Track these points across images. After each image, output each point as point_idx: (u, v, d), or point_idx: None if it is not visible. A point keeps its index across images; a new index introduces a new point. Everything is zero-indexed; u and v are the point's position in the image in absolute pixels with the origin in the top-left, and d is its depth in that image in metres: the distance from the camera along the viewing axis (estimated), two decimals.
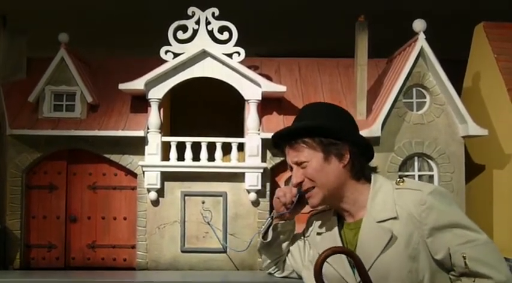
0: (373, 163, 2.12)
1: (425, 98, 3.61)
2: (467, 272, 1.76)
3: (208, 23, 3.64)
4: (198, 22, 3.64)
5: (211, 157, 3.58)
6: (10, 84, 3.84)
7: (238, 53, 3.59)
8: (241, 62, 3.59)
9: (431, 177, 3.56)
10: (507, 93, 3.57)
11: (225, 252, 3.55)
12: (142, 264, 3.56)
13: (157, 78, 3.56)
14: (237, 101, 3.73)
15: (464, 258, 1.76)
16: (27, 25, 4.01)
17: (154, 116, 3.56)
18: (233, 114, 4.02)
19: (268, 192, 3.58)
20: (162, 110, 3.62)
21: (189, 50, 3.58)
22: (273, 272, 2.41)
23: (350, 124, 2.08)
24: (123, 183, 3.69)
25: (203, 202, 3.59)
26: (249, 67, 3.69)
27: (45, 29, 3.82)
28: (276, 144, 2.12)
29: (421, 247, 1.83)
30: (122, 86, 3.55)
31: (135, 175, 3.63)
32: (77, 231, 3.67)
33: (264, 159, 3.59)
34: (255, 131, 3.57)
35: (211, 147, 3.59)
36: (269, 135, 3.20)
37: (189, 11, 3.66)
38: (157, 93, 3.58)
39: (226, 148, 3.62)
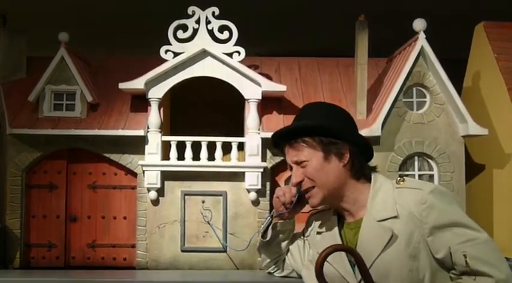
0: (373, 162, 2.12)
1: (425, 97, 3.61)
2: (468, 271, 1.77)
3: (208, 22, 3.64)
4: (198, 21, 3.64)
5: (211, 157, 3.58)
6: (10, 83, 3.84)
7: (239, 53, 3.59)
8: (242, 62, 3.59)
9: (431, 177, 3.56)
10: (507, 92, 3.57)
11: (225, 251, 3.55)
12: (142, 263, 3.56)
13: (157, 77, 3.56)
14: (237, 101, 3.73)
15: (465, 256, 1.76)
16: (27, 24, 4.01)
17: (154, 115, 3.56)
18: (233, 114, 4.02)
19: (268, 192, 3.58)
20: (162, 109, 3.62)
21: (189, 49, 3.58)
22: (272, 271, 2.41)
23: (350, 123, 2.08)
24: (123, 182, 3.69)
25: (203, 202, 3.59)
26: (249, 66, 3.69)
27: (45, 28, 3.82)
28: (275, 144, 2.12)
29: (421, 246, 1.83)
30: (122, 85, 3.55)
31: (135, 174, 3.63)
32: (77, 230, 3.67)
33: (264, 159, 3.59)
34: (255, 130, 3.57)
35: (211, 147, 3.59)
36: (269, 135, 3.20)
37: (189, 10, 3.66)
38: (157, 93, 3.58)
39: (227, 148, 3.62)
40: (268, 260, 2.38)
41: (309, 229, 2.22)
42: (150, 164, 3.53)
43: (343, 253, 1.91)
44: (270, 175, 3.64)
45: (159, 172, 3.54)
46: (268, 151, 3.62)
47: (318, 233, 2.11)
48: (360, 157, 2.01)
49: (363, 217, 1.94)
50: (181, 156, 3.57)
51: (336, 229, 2.03)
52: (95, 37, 5.12)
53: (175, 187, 3.59)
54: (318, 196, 1.99)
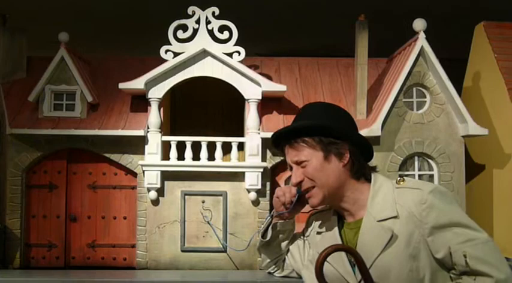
0: (373, 162, 2.12)
1: (425, 97, 3.61)
2: (467, 271, 1.76)
3: (208, 22, 3.64)
4: (198, 21, 3.64)
5: (211, 157, 3.58)
6: (10, 83, 3.85)
7: (239, 53, 3.59)
8: (242, 62, 3.59)
9: (431, 177, 3.56)
10: (507, 92, 3.57)
11: (225, 251, 3.55)
12: (142, 263, 3.56)
13: (157, 77, 3.56)
14: (237, 100, 3.73)
15: (465, 256, 1.76)
16: (27, 24, 4.01)
17: (154, 115, 3.56)
18: (233, 114, 4.02)
19: (268, 192, 3.58)
20: (162, 110, 3.62)
21: (189, 49, 3.58)
22: (272, 271, 2.40)
23: (350, 123, 2.08)
24: (123, 182, 3.69)
25: (203, 202, 3.59)
26: (249, 66, 3.69)
27: (45, 28, 3.83)
28: (275, 144, 2.12)
29: (421, 246, 1.83)
30: (122, 86, 3.55)
31: (135, 174, 3.63)
32: (77, 230, 3.67)
33: (264, 159, 3.59)
34: (255, 130, 3.57)
35: (211, 147, 3.59)
36: (269, 135, 3.21)
37: (189, 10, 3.66)
38: (157, 93, 3.58)
39: (227, 148, 3.62)
40: (268, 260, 2.37)
41: (309, 229, 2.21)
42: (150, 164, 3.53)
43: (343, 253, 1.91)
44: (270, 175, 3.64)
45: (159, 172, 3.54)
46: (268, 151, 3.62)
47: (318, 233, 2.11)
48: (359, 157, 2.01)
49: (363, 217, 1.94)
50: (181, 156, 3.57)
51: (336, 229, 2.02)
52: (95, 37, 5.13)
53: (175, 187, 3.59)
54: (318, 196, 1.99)
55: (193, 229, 3.58)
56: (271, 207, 2.39)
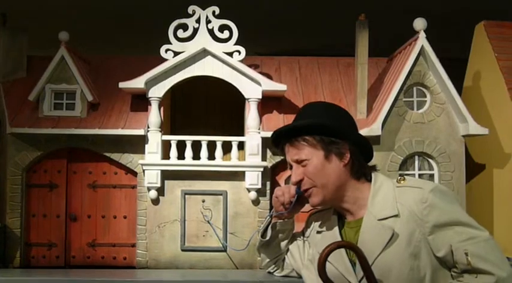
0: (373, 162, 2.12)
1: (425, 96, 3.61)
2: (469, 269, 1.76)
3: (208, 21, 3.64)
4: (198, 21, 3.64)
5: (211, 156, 3.58)
6: (10, 82, 3.85)
7: (239, 52, 3.59)
8: (242, 61, 3.59)
9: (431, 176, 3.56)
10: (507, 92, 3.57)
11: (224, 250, 3.55)
12: (143, 262, 3.56)
13: (157, 76, 3.56)
14: (237, 100, 3.73)
15: (466, 254, 1.76)
16: (27, 23, 4.01)
17: (154, 115, 3.56)
18: (233, 113, 4.02)
19: (268, 191, 3.58)
20: (162, 109, 3.62)
21: (190, 48, 3.58)
22: (272, 271, 2.40)
23: (350, 123, 2.08)
24: (123, 181, 3.69)
25: (203, 201, 3.59)
26: (250, 66, 3.69)
27: (46, 28, 3.82)
28: (275, 142, 2.11)
29: (422, 244, 1.83)
30: (122, 85, 3.55)
31: (135, 174, 3.63)
32: (77, 229, 3.67)
33: (264, 158, 3.59)
34: (255, 130, 3.57)
35: (211, 146, 3.58)
36: (269, 134, 3.20)
37: (190, 9, 3.66)
38: (157, 92, 3.57)
39: (227, 147, 3.62)
40: (268, 260, 2.37)
41: (309, 228, 2.21)
42: (150, 163, 3.53)
43: (343, 252, 1.91)
44: (270, 175, 3.64)
45: (159, 171, 3.54)
46: (268, 151, 3.62)
47: (318, 232, 2.11)
48: (360, 157, 2.01)
49: (364, 216, 1.94)
50: (181, 156, 3.57)
51: (336, 228, 2.02)
52: (95, 36, 5.13)
53: (175, 186, 3.59)
54: (318, 196, 1.98)
55: (194, 229, 3.58)
56: (271, 207, 2.38)
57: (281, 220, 2.24)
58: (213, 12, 3.65)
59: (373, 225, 1.88)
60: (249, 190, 3.56)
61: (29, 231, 3.64)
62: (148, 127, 3.56)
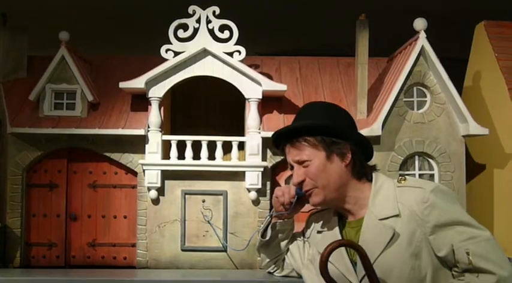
0: (373, 162, 2.12)
1: (426, 96, 3.61)
2: (470, 268, 1.77)
3: (209, 21, 3.64)
4: (198, 21, 3.64)
5: (211, 156, 3.58)
6: (11, 82, 3.85)
7: (239, 52, 3.59)
8: (242, 61, 3.59)
9: (431, 176, 3.56)
10: (508, 92, 3.57)
11: (225, 250, 3.55)
12: (143, 262, 3.56)
13: (157, 76, 3.56)
14: (237, 100, 3.73)
15: (467, 254, 1.76)
16: (27, 23, 4.01)
17: (154, 115, 3.56)
18: (233, 113, 4.02)
19: (268, 191, 3.58)
20: (162, 109, 3.62)
21: (190, 48, 3.57)
22: (272, 271, 2.41)
23: (350, 123, 2.08)
24: (123, 181, 3.69)
25: (203, 201, 3.59)
26: (250, 66, 3.69)
27: (46, 28, 3.82)
28: (276, 143, 2.12)
29: (423, 244, 1.83)
30: (123, 85, 3.55)
31: (135, 173, 3.63)
32: (77, 229, 3.67)
33: (264, 158, 3.58)
34: (256, 130, 3.57)
35: (211, 146, 3.58)
36: (269, 134, 3.21)
37: (190, 9, 3.66)
38: (157, 92, 3.57)
39: (227, 147, 3.62)
40: (268, 260, 2.38)
41: (309, 228, 2.22)
42: (150, 163, 3.53)
43: (343, 252, 1.91)
44: (271, 175, 3.64)
45: (159, 171, 3.54)
46: (268, 151, 3.62)
47: (319, 232, 2.11)
48: (361, 157, 2.01)
49: (364, 216, 1.94)
50: (181, 156, 3.57)
51: (337, 228, 2.02)
52: (95, 36, 5.13)
53: (175, 186, 3.59)
54: (319, 196, 1.99)
55: (194, 229, 3.58)
56: (272, 207, 2.39)
57: (281, 220, 2.25)
58: (214, 12, 3.65)
59: (374, 224, 1.89)
60: (249, 190, 3.57)
61: (29, 231, 3.64)
62: (148, 127, 3.56)
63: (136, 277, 3.28)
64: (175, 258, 3.56)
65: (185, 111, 4.13)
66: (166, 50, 3.60)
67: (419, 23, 3.52)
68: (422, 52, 3.53)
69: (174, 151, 3.57)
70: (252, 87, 3.58)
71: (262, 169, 3.53)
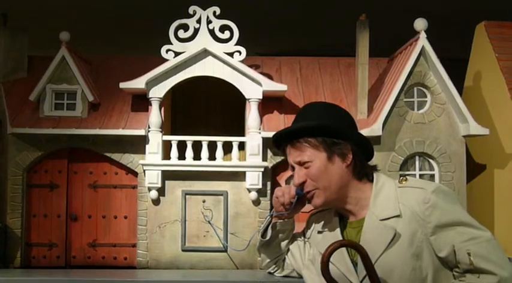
0: (373, 162, 2.12)
1: (426, 97, 3.61)
2: (471, 269, 1.77)
3: (209, 21, 3.64)
4: (199, 21, 3.64)
5: (212, 156, 3.58)
6: (11, 82, 3.85)
7: (239, 52, 3.59)
8: (242, 61, 3.59)
9: (432, 177, 3.56)
10: (508, 92, 3.57)
11: (225, 251, 3.55)
12: (143, 262, 3.56)
13: (158, 77, 3.56)
14: (238, 100, 3.73)
15: (469, 254, 1.77)
16: (27, 23, 4.01)
17: (155, 115, 3.56)
18: (234, 113, 4.02)
19: (269, 191, 3.58)
20: (163, 109, 3.62)
21: (190, 48, 3.57)
22: (272, 271, 2.41)
23: (350, 123, 2.08)
24: (123, 181, 3.69)
25: (204, 201, 3.59)
26: (250, 66, 3.69)
27: (46, 28, 3.83)
28: (276, 144, 2.12)
29: (424, 245, 1.83)
30: (123, 85, 3.55)
31: (135, 174, 3.63)
32: (77, 229, 3.67)
33: (264, 158, 3.58)
34: (256, 130, 3.57)
35: (212, 146, 3.58)
36: (270, 134, 3.22)
37: (190, 9, 3.66)
38: (158, 92, 3.57)
39: (227, 147, 3.62)
40: (268, 260, 2.38)
41: (310, 229, 2.22)
42: (150, 164, 3.53)
43: (344, 252, 1.91)
44: (271, 175, 3.64)
45: (159, 171, 3.54)
46: (269, 151, 3.62)
47: (319, 232, 2.11)
48: (361, 157, 2.01)
49: (366, 217, 1.94)
50: (182, 156, 3.57)
51: (338, 228, 2.03)
52: (95, 36, 5.13)
53: (176, 186, 3.59)
54: (320, 197, 1.99)
55: (194, 229, 3.58)
56: (272, 207, 2.39)
57: (281, 221, 2.25)
58: (214, 13, 3.65)
59: (375, 225, 1.89)
60: (249, 190, 3.57)
61: (30, 231, 3.63)
62: (149, 127, 3.56)
63: (136, 277, 3.28)
64: (175, 258, 3.56)
65: (185, 112, 4.13)
66: (167, 50, 3.60)
67: (420, 23, 3.52)
68: (422, 52, 3.53)
69: (174, 152, 3.57)
70: (253, 87, 3.58)
71: (262, 169, 3.53)
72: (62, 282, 3.08)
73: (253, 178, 3.53)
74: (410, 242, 1.83)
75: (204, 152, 3.57)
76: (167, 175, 3.57)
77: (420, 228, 1.84)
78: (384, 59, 4.07)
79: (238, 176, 3.58)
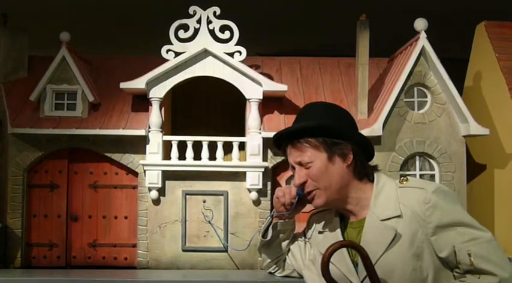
0: (374, 162, 2.13)
1: (426, 97, 3.61)
2: (472, 269, 1.77)
3: (209, 22, 3.64)
4: (199, 21, 3.64)
5: (212, 157, 3.58)
6: (11, 82, 3.85)
7: (240, 52, 3.59)
8: (243, 61, 3.59)
9: (432, 177, 3.56)
10: (508, 92, 3.58)
11: (225, 251, 3.55)
12: (143, 263, 3.56)
13: (158, 77, 3.56)
14: (238, 100, 3.73)
15: (469, 255, 1.77)
16: (27, 23, 4.01)
17: (155, 115, 3.56)
18: (234, 113, 4.02)
19: (269, 191, 3.58)
20: (163, 109, 3.62)
21: (191, 49, 3.57)
22: (273, 271, 2.41)
23: (351, 123, 2.09)
24: (124, 182, 3.69)
25: (204, 202, 3.59)
26: (250, 66, 3.69)
27: (47, 28, 3.83)
28: (277, 144, 2.12)
29: (425, 245, 1.83)
30: (123, 85, 3.55)
31: (136, 174, 3.63)
32: (78, 230, 3.67)
33: (265, 158, 3.59)
34: (256, 130, 3.57)
35: (212, 146, 3.59)
36: (270, 135, 3.22)
37: (191, 10, 3.66)
38: (158, 92, 3.57)
39: (228, 148, 3.62)
40: (269, 260, 2.38)
41: (311, 229, 2.22)
42: (151, 164, 3.53)
43: (345, 253, 1.91)
44: (271, 175, 3.64)
45: (160, 171, 3.54)
46: (269, 151, 3.62)
47: (320, 232, 2.11)
48: (362, 157, 2.01)
49: (366, 217, 1.94)
50: (182, 156, 3.57)
51: (339, 228, 2.03)
52: (95, 36, 5.13)
53: (176, 186, 3.59)
54: (321, 198, 1.99)
55: (194, 229, 3.58)
56: (272, 207, 2.39)
57: (282, 221, 2.25)
58: (214, 13, 3.65)
59: (376, 225, 1.89)
60: (250, 190, 3.57)
61: (30, 232, 3.63)
62: (149, 127, 3.56)
63: (137, 277, 3.28)
64: (176, 258, 3.56)
65: (186, 112, 4.13)
66: (167, 51, 3.60)
67: (420, 23, 3.52)
68: (422, 52, 3.53)
69: (174, 152, 3.58)
70: (253, 87, 3.58)
71: (263, 169, 3.53)
72: (62, 282, 3.08)
73: (254, 179, 3.53)
74: (411, 242, 1.83)
75: (205, 152, 3.57)
76: (167, 176, 3.57)
77: (421, 229, 1.84)
78: (384, 59, 4.07)
79: (238, 176, 3.58)
